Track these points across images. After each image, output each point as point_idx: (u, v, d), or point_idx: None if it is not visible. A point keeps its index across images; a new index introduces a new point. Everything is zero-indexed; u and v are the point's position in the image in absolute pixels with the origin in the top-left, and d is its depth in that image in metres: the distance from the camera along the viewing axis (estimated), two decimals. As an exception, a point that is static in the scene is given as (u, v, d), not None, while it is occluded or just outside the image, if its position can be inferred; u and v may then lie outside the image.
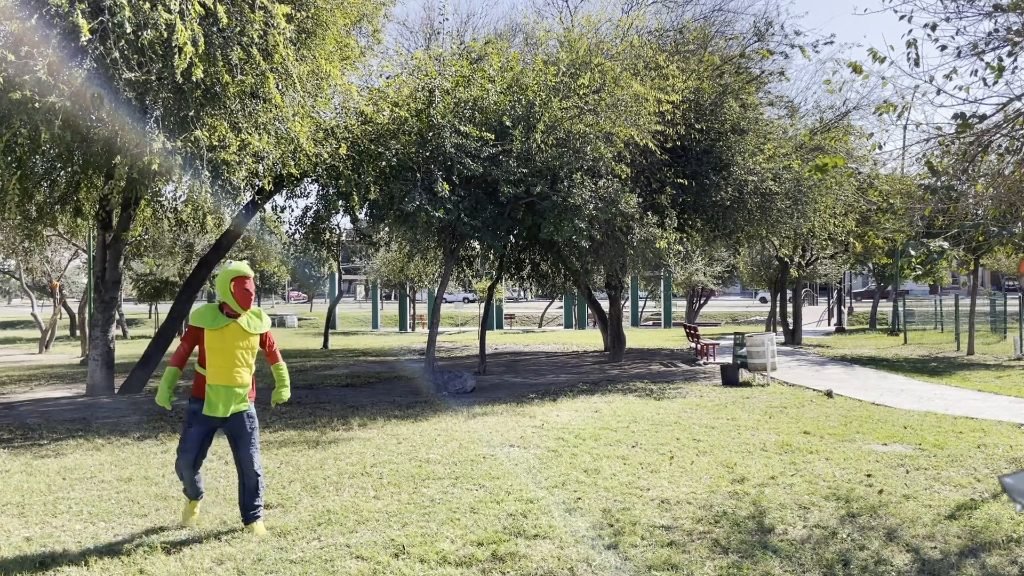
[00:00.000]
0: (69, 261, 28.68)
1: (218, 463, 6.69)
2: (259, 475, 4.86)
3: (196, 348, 4.81)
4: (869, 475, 6.20)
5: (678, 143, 13.46)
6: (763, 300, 60.63)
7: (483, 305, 30.64)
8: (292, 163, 10.17)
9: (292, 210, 41.50)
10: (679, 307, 46.60)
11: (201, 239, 23.43)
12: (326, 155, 10.93)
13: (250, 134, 9.06)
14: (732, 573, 4.09)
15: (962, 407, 10.02)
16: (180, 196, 13.58)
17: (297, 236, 14.12)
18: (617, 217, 12.26)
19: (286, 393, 5.18)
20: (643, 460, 6.82)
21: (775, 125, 16.14)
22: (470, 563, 4.26)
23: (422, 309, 42.27)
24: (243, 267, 4.75)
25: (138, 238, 19.16)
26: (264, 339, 5.00)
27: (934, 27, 5.49)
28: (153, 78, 8.02)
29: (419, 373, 14.17)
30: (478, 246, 15.47)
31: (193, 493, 4.98)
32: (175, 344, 8.73)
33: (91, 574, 4.19)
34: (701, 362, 17.20)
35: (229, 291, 4.70)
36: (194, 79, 7.68)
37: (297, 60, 9.17)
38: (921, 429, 8.33)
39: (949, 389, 12.05)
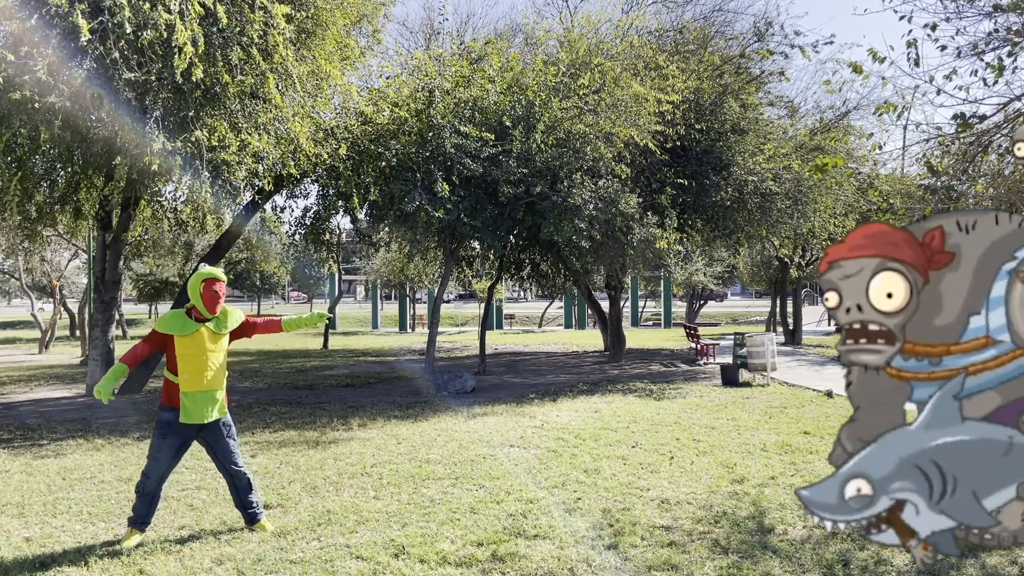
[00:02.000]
0: (69, 261, 28.68)
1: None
2: (247, 473, 4.86)
3: (164, 355, 4.70)
4: (869, 475, 6.19)
5: (678, 143, 13.45)
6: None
7: (483, 305, 30.63)
8: (292, 163, 10.17)
9: (292, 210, 41.49)
10: (679, 307, 46.58)
11: (201, 239, 23.45)
12: (326, 155, 10.93)
13: (250, 134, 9.06)
14: (732, 573, 4.09)
15: (962, 407, 10.00)
16: (180, 196, 13.57)
17: (297, 236, 14.13)
18: (617, 217, 12.26)
19: (321, 316, 5.19)
20: (643, 460, 6.82)
21: (775, 125, 16.12)
22: (470, 563, 4.26)
23: (422, 309, 42.27)
24: (215, 271, 4.74)
25: (138, 238, 19.18)
26: (246, 327, 4.93)
27: (934, 27, 5.49)
28: (153, 78, 8.02)
29: (419, 373, 14.17)
30: (478, 246, 15.46)
31: (142, 518, 4.68)
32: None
33: (91, 574, 4.19)
34: (701, 362, 17.20)
35: (199, 293, 4.67)
36: (194, 79, 7.68)
37: (297, 60, 9.17)
38: (921, 429, 8.33)
39: (949, 389, 12.03)
